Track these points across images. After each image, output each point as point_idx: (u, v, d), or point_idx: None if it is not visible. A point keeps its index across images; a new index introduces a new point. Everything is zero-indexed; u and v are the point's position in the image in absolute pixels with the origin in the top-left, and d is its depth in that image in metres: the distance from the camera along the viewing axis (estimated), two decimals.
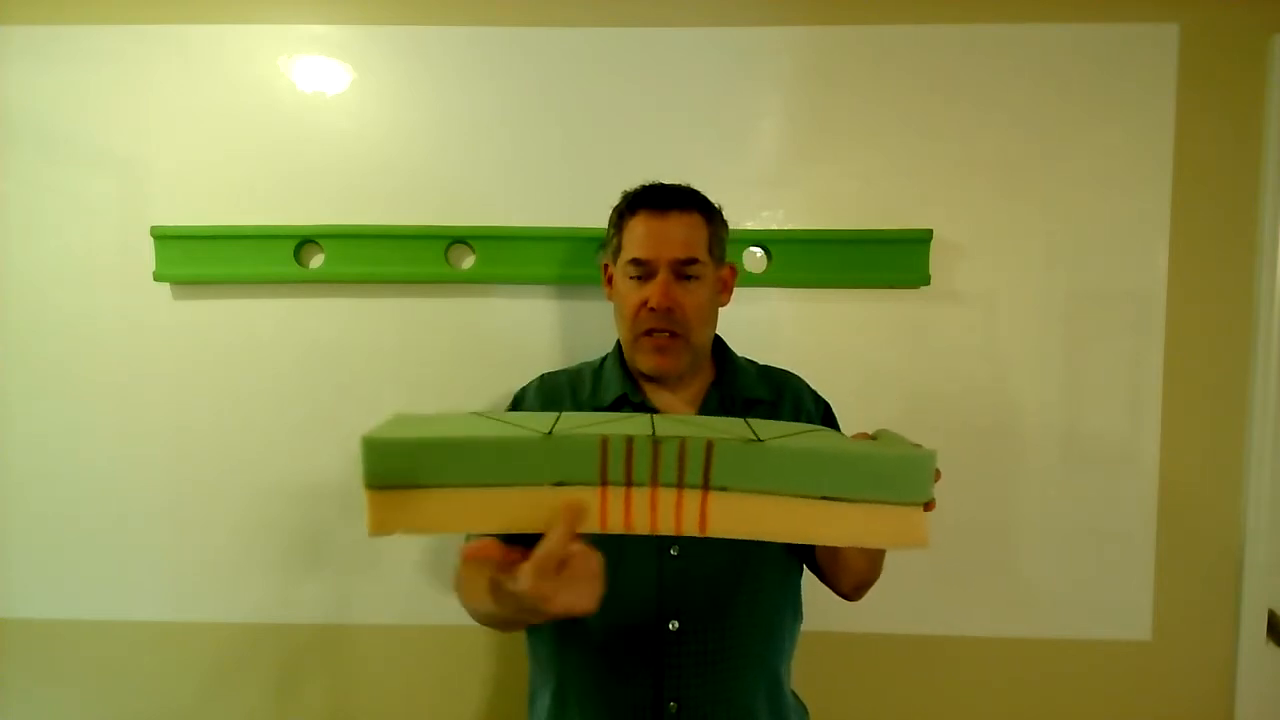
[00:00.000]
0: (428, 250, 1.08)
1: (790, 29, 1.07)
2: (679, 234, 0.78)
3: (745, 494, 0.53)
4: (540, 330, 1.10)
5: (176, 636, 1.14)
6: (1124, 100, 1.06)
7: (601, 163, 1.08)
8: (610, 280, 0.86)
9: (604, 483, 0.53)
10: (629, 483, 0.53)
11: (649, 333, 0.79)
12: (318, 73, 1.08)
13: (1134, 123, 1.07)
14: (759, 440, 0.54)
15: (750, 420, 0.60)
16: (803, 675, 0.88)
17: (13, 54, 1.08)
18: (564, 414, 0.61)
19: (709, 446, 0.53)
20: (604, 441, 0.52)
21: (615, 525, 0.53)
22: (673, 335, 0.78)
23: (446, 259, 1.09)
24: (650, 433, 0.53)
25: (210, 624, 1.14)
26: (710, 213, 0.82)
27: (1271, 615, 1.10)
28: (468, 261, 1.10)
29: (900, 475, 0.54)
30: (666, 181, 0.83)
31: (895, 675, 1.14)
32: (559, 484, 0.53)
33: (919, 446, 0.57)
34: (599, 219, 1.07)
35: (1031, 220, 1.08)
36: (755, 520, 0.54)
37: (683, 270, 0.78)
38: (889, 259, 1.07)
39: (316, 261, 1.10)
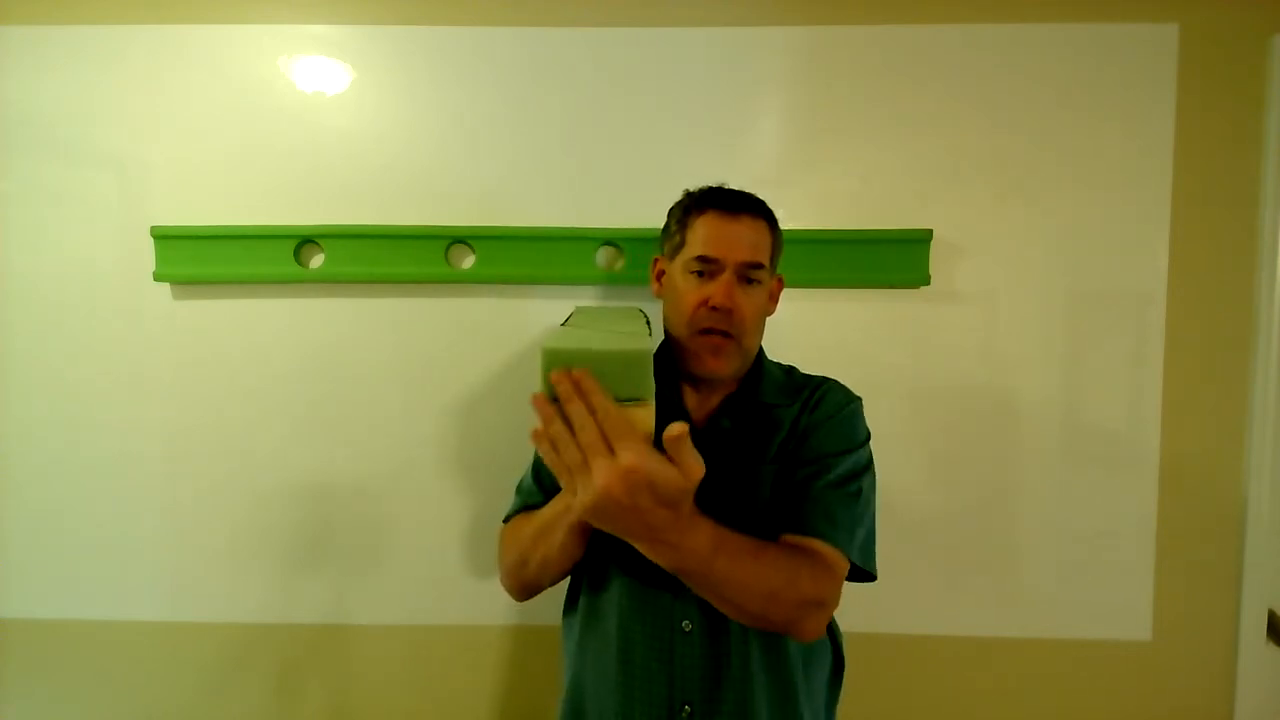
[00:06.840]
0: (428, 250, 1.08)
1: (789, 29, 1.07)
2: (748, 237, 0.78)
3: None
4: (540, 330, 1.10)
5: (176, 636, 1.14)
6: (1124, 100, 1.06)
7: (601, 163, 1.08)
8: (659, 277, 0.86)
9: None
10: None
11: (706, 331, 0.78)
12: (318, 73, 1.08)
13: (1134, 123, 1.06)
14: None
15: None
16: None
17: (13, 54, 1.08)
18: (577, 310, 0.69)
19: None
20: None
21: None
22: (727, 336, 0.78)
23: (446, 259, 1.09)
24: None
25: (210, 624, 1.14)
26: (774, 222, 0.83)
27: (1271, 615, 1.10)
28: (468, 261, 1.10)
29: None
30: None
31: (895, 675, 1.14)
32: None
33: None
34: (599, 219, 1.08)
35: (1031, 220, 1.08)
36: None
37: (747, 274, 0.78)
38: (889, 259, 1.07)
39: (316, 261, 1.10)
